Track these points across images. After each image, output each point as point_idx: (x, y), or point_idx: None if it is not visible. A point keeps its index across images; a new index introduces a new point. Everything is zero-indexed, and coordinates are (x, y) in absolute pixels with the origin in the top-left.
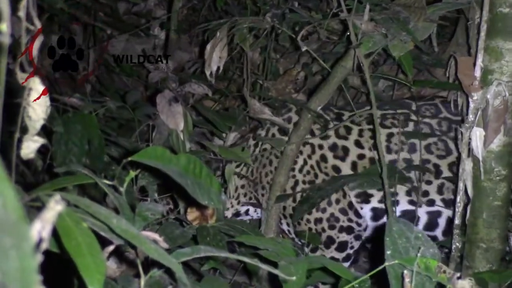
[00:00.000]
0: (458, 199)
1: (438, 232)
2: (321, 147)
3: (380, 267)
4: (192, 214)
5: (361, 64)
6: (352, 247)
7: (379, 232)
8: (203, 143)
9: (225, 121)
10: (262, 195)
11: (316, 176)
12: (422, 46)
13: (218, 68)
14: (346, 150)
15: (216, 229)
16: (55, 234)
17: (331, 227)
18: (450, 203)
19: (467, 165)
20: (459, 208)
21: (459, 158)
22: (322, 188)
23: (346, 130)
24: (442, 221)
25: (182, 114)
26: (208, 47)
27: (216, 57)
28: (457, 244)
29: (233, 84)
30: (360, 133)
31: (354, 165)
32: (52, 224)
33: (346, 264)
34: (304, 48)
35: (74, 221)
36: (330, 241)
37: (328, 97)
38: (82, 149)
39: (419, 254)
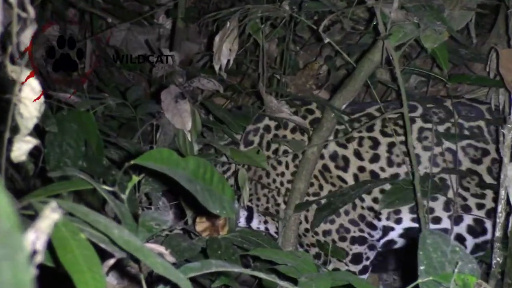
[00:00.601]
0: (499, 208)
1: None
2: (322, 156)
3: (413, 284)
4: (202, 225)
5: (391, 58)
6: (367, 258)
7: (410, 243)
8: (213, 144)
9: (238, 120)
10: (276, 204)
11: (321, 187)
12: (459, 37)
13: (229, 61)
14: (346, 160)
15: (228, 241)
16: (49, 246)
17: (342, 239)
18: (458, 220)
19: (509, 170)
20: (500, 218)
21: (500, 162)
22: (345, 193)
23: (346, 138)
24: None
25: (190, 113)
26: (217, 38)
27: (226, 50)
28: (498, 259)
29: (247, 80)
30: (360, 142)
31: (356, 178)
32: (48, 235)
33: (364, 276)
34: (326, 40)
35: (70, 231)
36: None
37: (354, 94)
38: (78, 151)
39: (456, 270)
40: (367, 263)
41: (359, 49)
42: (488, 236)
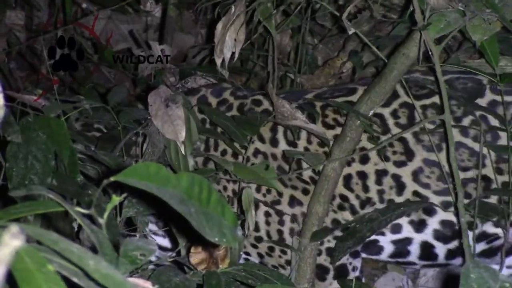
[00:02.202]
0: None
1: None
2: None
3: None
4: (197, 256)
5: (430, 52)
6: (354, 268)
7: (450, 278)
8: (212, 158)
9: (243, 129)
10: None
11: (280, 194)
12: None
13: (233, 55)
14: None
15: (229, 276)
16: (10, 280)
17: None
18: (420, 227)
19: None
20: None
21: None
22: (373, 219)
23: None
24: (414, 248)
25: (184, 120)
26: (219, 26)
27: (230, 40)
28: None
29: (254, 79)
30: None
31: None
32: (7, 265)
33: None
34: (351, 31)
35: (36, 262)
36: (323, 271)
37: (385, 96)
38: (47, 166)
39: None
40: (357, 273)
41: (391, 42)
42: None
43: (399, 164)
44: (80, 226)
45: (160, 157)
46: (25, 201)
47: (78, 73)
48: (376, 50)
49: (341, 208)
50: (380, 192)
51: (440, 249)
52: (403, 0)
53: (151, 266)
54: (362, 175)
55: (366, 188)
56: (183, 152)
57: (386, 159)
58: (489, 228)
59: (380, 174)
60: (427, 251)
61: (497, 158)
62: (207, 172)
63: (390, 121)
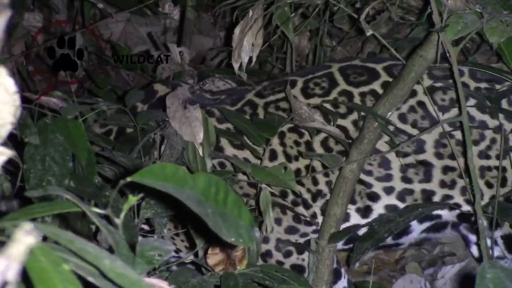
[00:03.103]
0: None
1: None
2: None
3: None
4: (215, 257)
5: (447, 54)
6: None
7: (466, 278)
8: (230, 160)
9: (261, 131)
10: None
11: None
12: None
13: (251, 58)
14: None
15: (246, 277)
16: (26, 279)
17: (287, 255)
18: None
19: None
20: None
21: None
22: (391, 220)
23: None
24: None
25: (202, 121)
26: (237, 30)
27: (247, 44)
28: None
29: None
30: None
31: None
32: (21, 263)
33: (343, 282)
34: (369, 32)
35: (52, 261)
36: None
37: (403, 98)
38: (65, 168)
39: None
40: (334, 265)
41: (409, 44)
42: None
43: (342, 154)
44: (98, 227)
45: (178, 158)
46: (41, 201)
47: (96, 76)
48: (394, 52)
49: (295, 203)
50: (329, 184)
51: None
52: (421, 2)
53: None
54: (311, 170)
55: (315, 181)
56: (201, 153)
57: (329, 150)
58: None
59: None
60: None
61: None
62: (225, 174)
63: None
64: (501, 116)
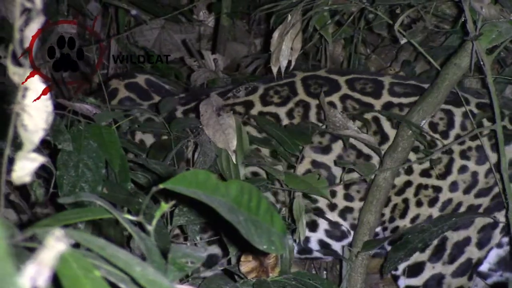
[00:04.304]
0: None
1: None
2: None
3: None
4: (248, 264)
5: (481, 63)
6: None
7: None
8: (263, 168)
9: (295, 138)
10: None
11: None
12: None
13: (289, 63)
14: None
15: (279, 285)
16: (58, 285)
17: None
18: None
19: None
20: None
21: None
22: (425, 230)
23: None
24: (314, 245)
25: (235, 129)
26: (276, 35)
27: (286, 49)
28: None
29: None
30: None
31: None
32: (51, 269)
33: None
34: (403, 40)
35: (83, 268)
36: None
37: (437, 107)
38: (98, 174)
39: None
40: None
41: (443, 53)
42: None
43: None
44: (131, 235)
45: (211, 166)
46: (74, 208)
47: None
48: (431, 59)
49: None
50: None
51: (336, 245)
52: (456, 10)
53: (207, 273)
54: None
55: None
56: (234, 161)
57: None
58: None
59: None
60: (326, 247)
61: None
62: (258, 181)
63: (285, 121)
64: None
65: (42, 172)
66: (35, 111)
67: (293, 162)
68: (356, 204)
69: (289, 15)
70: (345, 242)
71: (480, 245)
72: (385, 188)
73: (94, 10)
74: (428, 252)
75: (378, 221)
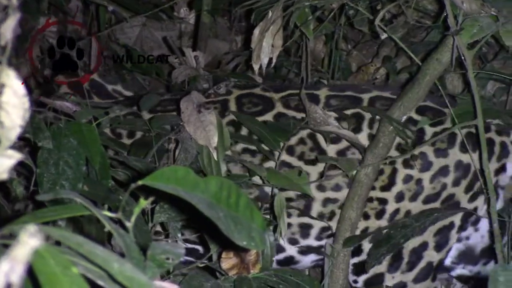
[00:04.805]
0: None
1: None
2: None
3: None
4: (229, 261)
5: (463, 58)
6: None
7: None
8: (245, 164)
9: (276, 135)
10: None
11: None
12: None
13: (271, 60)
14: None
15: (260, 281)
16: (34, 282)
17: None
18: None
19: None
20: None
21: None
22: (407, 225)
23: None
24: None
25: (216, 125)
26: (256, 32)
27: (267, 46)
28: None
29: None
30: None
31: None
32: (25, 265)
33: None
34: (383, 35)
35: (61, 265)
36: None
37: (418, 102)
38: (78, 172)
39: None
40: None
41: (424, 48)
42: None
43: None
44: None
45: (192, 163)
46: (54, 205)
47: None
48: (412, 54)
49: None
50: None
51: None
52: (437, 6)
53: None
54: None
55: None
56: (215, 158)
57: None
58: None
59: None
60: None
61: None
62: (239, 178)
63: None
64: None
65: (22, 170)
66: (12, 108)
67: (273, 158)
68: (294, 220)
69: (270, 11)
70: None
71: (439, 247)
72: (366, 184)
73: (75, 8)
74: (385, 263)
75: (360, 217)
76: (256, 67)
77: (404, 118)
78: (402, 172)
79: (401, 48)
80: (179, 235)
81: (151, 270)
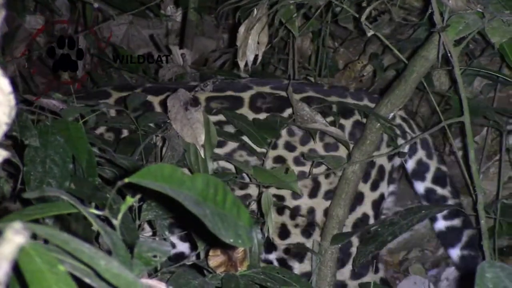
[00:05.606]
0: None
1: None
2: None
3: None
4: (216, 259)
5: (449, 55)
6: None
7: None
8: (231, 162)
9: (262, 132)
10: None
11: None
12: None
13: (256, 57)
14: None
15: (248, 279)
16: (21, 280)
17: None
18: None
19: None
20: None
21: None
22: (395, 223)
23: None
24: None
25: (203, 123)
26: (242, 29)
27: (253, 43)
28: None
29: None
30: None
31: None
32: (11, 262)
33: None
34: (370, 32)
35: (47, 262)
36: None
37: (405, 99)
38: (65, 170)
39: None
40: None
41: (411, 45)
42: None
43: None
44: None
45: (179, 160)
46: (40, 203)
47: (99, 78)
48: (397, 52)
49: None
50: None
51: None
52: (423, 3)
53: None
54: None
55: None
56: (202, 155)
57: None
58: None
59: None
60: None
61: None
62: (226, 175)
63: None
64: None
65: (9, 168)
66: None
67: (261, 155)
68: None
69: (255, 9)
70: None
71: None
72: (354, 181)
73: (62, 6)
74: (307, 263)
75: (347, 214)
76: (242, 64)
77: (391, 115)
78: (294, 170)
79: (387, 46)
80: (167, 233)
81: (138, 268)
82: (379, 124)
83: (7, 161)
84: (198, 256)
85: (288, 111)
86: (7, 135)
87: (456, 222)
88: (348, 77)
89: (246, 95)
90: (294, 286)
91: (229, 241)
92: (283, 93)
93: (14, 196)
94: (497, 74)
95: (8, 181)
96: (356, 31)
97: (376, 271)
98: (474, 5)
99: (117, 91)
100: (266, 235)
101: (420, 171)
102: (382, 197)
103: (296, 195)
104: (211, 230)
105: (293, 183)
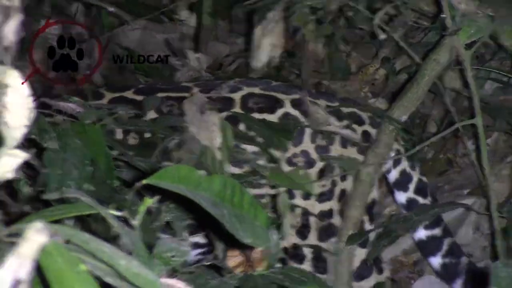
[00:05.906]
0: None
1: None
2: None
3: None
4: (234, 259)
5: (460, 58)
6: None
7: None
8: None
9: (278, 135)
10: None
11: None
12: None
13: (272, 59)
14: None
15: (266, 279)
16: (42, 279)
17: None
18: None
19: None
20: None
21: None
22: (408, 219)
23: None
24: None
25: (219, 126)
26: (257, 31)
27: (267, 45)
28: None
29: None
30: None
31: None
32: (33, 261)
33: None
34: (383, 36)
35: (68, 262)
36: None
37: (417, 102)
38: (84, 172)
39: None
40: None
41: (423, 49)
42: None
43: None
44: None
45: (196, 163)
46: (60, 204)
47: (115, 82)
48: (412, 53)
49: None
50: None
51: None
52: (435, 7)
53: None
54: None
55: None
56: (218, 157)
57: None
58: None
59: None
60: None
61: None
62: (243, 177)
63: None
64: None
65: (29, 171)
66: (16, 108)
67: (277, 158)
68: None
69: (271, 12)
70: None
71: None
72: (368, 183)
73: (77, 11)
74: (307, 264)
75: (362, 215)
76: (257, 66)
77: (404, 118)
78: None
79: (400, 49)
80: (185, 234)
81: (158, 268)
82: (392, 127)
83: (25, 164)
84: (216, 256)
85: (280, 111)
86: (26, 138)
87: (437, 231)
88: (361, 80)
89: (237, 96)
90: (313, 285)
91: (246, 241)
92: (273, 94)
93: (33, 199)
94: (508, 75)
95: (28, 183)
96: (369, 35)
97: (380, 271)
98: (485, 8)
99: (110, 91)
100: (282, 235)
101: (403, 182)
102: (373, 202)
103: (291, 196)
104: (229, 230)
105: (308, 185)
